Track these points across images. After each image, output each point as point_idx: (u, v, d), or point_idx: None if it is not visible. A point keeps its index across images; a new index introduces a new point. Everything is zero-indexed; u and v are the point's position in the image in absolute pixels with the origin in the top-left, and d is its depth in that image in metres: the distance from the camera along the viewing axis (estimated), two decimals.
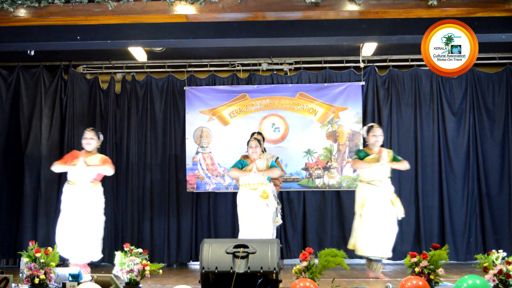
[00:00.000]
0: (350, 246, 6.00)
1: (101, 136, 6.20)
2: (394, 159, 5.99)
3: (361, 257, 6.09)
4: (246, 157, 6.18)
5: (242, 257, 4.06)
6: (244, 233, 5.79)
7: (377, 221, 5.73)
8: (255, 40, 5.68)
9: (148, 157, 7.80)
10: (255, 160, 5.94)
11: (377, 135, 5.99)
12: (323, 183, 7.66)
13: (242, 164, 6.00)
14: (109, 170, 5.97)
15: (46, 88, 7.76)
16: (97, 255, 5.90)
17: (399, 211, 5.88)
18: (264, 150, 6.53)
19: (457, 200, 7.50)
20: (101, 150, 7.69)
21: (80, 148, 7.69)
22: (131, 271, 4.41)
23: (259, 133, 6.80)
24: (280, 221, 6.40)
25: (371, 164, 5.88)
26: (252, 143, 6.00)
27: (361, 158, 5.96)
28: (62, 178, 6.36)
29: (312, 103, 7.77)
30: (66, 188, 5.92)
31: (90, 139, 5.99)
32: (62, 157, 6.12)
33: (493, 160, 7.55)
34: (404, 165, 6.06)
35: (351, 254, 7.32)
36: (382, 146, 6.04)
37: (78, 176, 5.85)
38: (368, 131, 6.08)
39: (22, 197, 7.45)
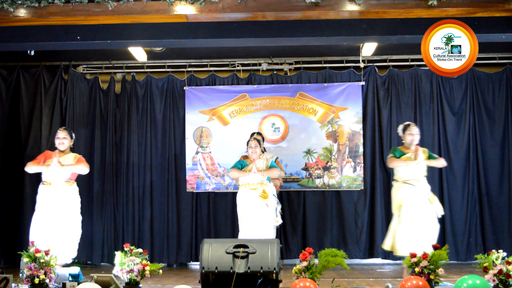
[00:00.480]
0: (386, 247, 5.89)
1: (74, 135, 6.16)
2: (430, 157, 5.93)
3: (399, 258, 6.00)
4: (246, 157, 6.21)
5: (242, 257, 4.07)
6: (244, 233, 5.82)
7: (416, 221, 5.65)
8: (255, 40, 5.68)
9: (148, 157, 7.80)
10: (254, 160, 5.97)
11: (414, 133, 5.93)
12: (323, 183, 7.66)
13: (242, 164, 6.04)
14: (83, 169, 5.93)
15: (46, 88, 7.75)
16: (73, 255, 5.86)
17: (438, 209, 5.83)
18: (264, 150, 6.55)
19: (457, 200, 7.50)
20: (101, 150, 7.75)
21: (83, 148, 7.74)
22: (131, 271, 4.41)
23: (259, 133, 6.83)
24: (280, 221, 6.40)
25: (408, 162, 5.81)
26: (251, 143, 6.04)
27: (397, 157, 5.89)
28: None
29: (312, 103, 7.77)
30: (41, 188, 5.88)
31: (63, 139, 5.94)
32: (35, 158, 6.04)
33: (493, 160, 7.55)
34: (440, 162, 6.03)
35: (351, 254, 7.39)
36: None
37: (53, 176, 5.81)
38: (405, 129, 6.01)
39: (22, 197, 7.44)
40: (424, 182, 5.86)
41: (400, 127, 6.17)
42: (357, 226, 7.55)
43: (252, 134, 6.64)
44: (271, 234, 5.95)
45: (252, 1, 5.12)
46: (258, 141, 6.13)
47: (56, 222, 5.71)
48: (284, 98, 7.82)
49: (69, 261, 5.85)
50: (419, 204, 5.74)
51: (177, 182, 7.78)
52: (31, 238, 5.71)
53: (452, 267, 6.59)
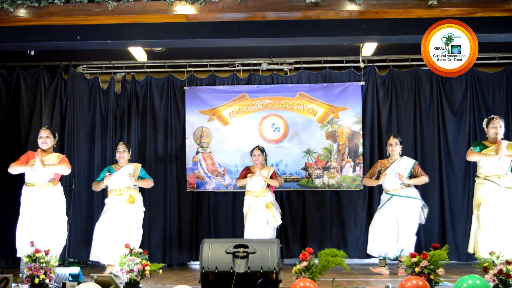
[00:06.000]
0: (470, 249, 5.74)
1: (57, 135, 6.12)
2: None
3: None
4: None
5: (242, 257, 4.07)
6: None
7: (494, 222, 5.48)
8: (255, 40, 5.69)
9: (148, 157, 7.79)
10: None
11: (497, 126, 5.69)
12: (322, 183, 7.66)
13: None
14: (65, 169, 5.86)
15: (46, 88, 7.76)
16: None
17: None
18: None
19: (458, 200, 7.49)
20: (101, 150, 7.74)
21: (83, 148, 7.73)
22: (131, 271, 4.41)
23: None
24: (279, 221, 6.49)
25: (488, 156, 5.60)
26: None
27: (477, 151, 5.71)
28: (62, 177, 6.35)
29: (312, 103, 7.77)
30: (25, 190, 5.81)
31: (46, 138, 5.89)
32: (18, 159, 5.95)
33: None
34: None
35: (351, 254, 7.40)
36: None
37: (36, 177, 5.74)
38: (488, 122, 5.78)
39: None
40: (508, 179, 5.61)
41: (485, 121, 5.92)
42: (356, 226, 7.55)
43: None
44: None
45: (252, 1, 5.13)
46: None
47: (41, 223, 5.64)
48: (284, 98, 7.81)
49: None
50: (498, 203, 5.54)
51: (177, 182, 7.78)
52: (17, 242, 5.69)
53: (452, 267, 6.59)
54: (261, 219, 6.41)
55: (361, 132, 7.68)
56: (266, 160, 6.84)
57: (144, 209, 6.33)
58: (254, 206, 6.46)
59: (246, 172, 6.66)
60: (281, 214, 6.76)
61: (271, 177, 6.54)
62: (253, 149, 6.68)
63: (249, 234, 6.40)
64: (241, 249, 4.10)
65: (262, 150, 6.66)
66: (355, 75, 7.80)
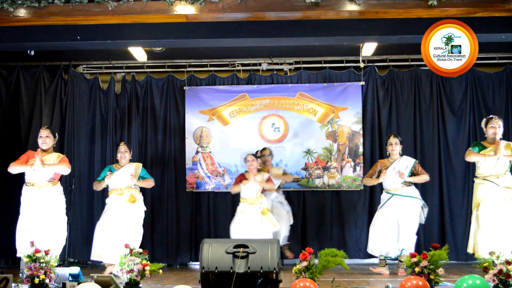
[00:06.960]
0: (469, 249, 5.73)
1: (57, 135, 6.12)
2: None
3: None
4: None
5: (242, 257, 4.07)
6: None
7: (494, 222, 5.48)
8: (255, 40, 5.69)
9: (148, 157, 7.79)
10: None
11: (496, 126, 5.68)
12: (322, 183, 7.66)
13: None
14: (65, 169, 5.86)
15: (46, 88, 7.76)
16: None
17: None
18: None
19: (458, 199, 7.49)
20: (101, 150, 7.74)
21: (83, 148, 7.73)
22: (131, 271, 4.41)
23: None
24: (278, 226, 6.42)
25: (486, 157, 5.61)
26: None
27: (475, 152, 5.71)
28: (62, 177, 6.35)
29: (312, 103, 7.77)
30: (24, 190, 5.81)
31: (46, 138, 5.88)
32: (18, 158, 5.95)
33: None
34: None
35: (351, 254, 7.39)
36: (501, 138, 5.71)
37: (36, 177, 5.74)
38: (487, 123, 5.78)
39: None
40: (507, 178, 5.61)
41: (483, 121, 5.92)
42: (357, 226, 7.55)
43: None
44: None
45: (252, 1, 5.13)
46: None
47: (41, 223, 5.64)
48: (284, 98, 7.82)
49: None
50: (497, 203, 5.55)
51: (176, 182, 7.78)
52: (17, 241, 5.69)
53: (452, 267, 6.59)
54: (254, 225, 6.21)
55: (361, 132, 7.68)
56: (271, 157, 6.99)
57: (145, 209, 6.33)
58: (247, 212, 6.30)
59: (241, 178, 6.51)
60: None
61: (266, 181, 6.41)
62: (247, 155, 6.54)
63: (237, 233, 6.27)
64: (241, 249, 4.10)
65: (260, 156, 6.61)
66: (355, 75, 7.80)
